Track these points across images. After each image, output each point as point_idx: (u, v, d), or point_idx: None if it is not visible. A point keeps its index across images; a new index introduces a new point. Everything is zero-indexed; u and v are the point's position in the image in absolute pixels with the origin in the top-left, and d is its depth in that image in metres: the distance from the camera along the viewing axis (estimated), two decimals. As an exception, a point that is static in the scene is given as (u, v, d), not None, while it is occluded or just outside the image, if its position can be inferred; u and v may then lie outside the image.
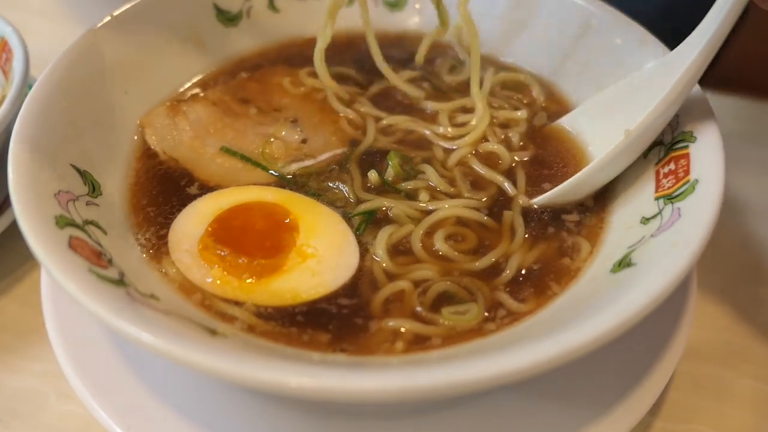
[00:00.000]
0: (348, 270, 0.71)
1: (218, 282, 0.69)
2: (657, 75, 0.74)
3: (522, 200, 0.78)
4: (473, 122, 0.87)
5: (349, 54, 1.00)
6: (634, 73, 0.79)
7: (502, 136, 0.86)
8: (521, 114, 0.88)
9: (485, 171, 0.82)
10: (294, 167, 0.83)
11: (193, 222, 0.75)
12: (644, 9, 0.90)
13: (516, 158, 0.84)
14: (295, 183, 0.81)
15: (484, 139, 0.85)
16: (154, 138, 0.84)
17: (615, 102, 0.79)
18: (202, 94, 0.91)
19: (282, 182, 0.81)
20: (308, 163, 0.84)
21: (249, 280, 0.69)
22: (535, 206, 0.78)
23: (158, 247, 0.73)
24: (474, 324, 0.67)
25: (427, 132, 0.87)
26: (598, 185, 0.77)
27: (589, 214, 0.77)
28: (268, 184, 0.81)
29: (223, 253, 0.71)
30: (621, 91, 0.79)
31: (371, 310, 0.68)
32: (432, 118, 0.89)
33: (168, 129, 0.85)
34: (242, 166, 0.83)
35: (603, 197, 0.78)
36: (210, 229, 0.73)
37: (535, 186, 0.80)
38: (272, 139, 0.86)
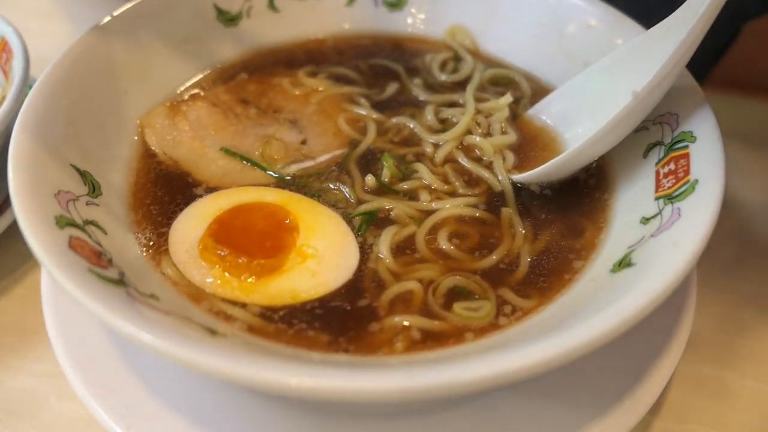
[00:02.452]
0: (348, 270, 0.71)
1: (218, 282, 0.69)
2: (652, 42, 0.75)
3: (514, 177, 0.80)
4: (460, 117, 0.87)
5: (348, 54, 1.00)
6: (605, 57, 0.81)
7: (483, 131, 0.86)
8: (505, 99, 0.88)
9: (471, 166, 0.82)
10: (293, 168, 0.83)
11: (193, 222, 0.75)
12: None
13: (501, 145, 0.84)
14: (295, 184, 0.81)
15: (469, 132, 0.86)
16: (153, 138, 0.84)
17: (593, 83, 0.82)
18: (202, 95, 0.92)
19: (282, 183, 0.81)
20: (308, 164, 0.83)
21: (249, 280, 0.69)
22: (529, 186, 0.79)
23: (158, 246, 0.73)
24: (486, 321, 0.67)
25: (411, 125, 0.87)
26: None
27: (589, 213, 0.77)
28: (268, 185, 0.81)
29: (223, 253, 0.71)
30: (598, 72, 0.82)
31: (377, 309, 0.68)
32: (420, 114, 0.90)
33: (168, 129, 0.85)
34: (242, 167, 0.83)
35: (603, 197, 0.78)
36: (210, 229, 0.73)
37: (523, 172, 0.80)
38: (272, 140, 0.85)
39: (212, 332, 0.61)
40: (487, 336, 0.65)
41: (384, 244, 0.73)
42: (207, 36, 0.96)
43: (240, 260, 0.70)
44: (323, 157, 0.84)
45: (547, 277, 0.71)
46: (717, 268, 0.92)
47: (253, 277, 0.70)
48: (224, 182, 0.81)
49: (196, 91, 0.93)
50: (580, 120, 0.82)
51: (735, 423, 0.77)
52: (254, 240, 0.73)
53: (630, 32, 0.86)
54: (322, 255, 0.72)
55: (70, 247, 0.61)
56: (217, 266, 0.70)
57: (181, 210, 0.77)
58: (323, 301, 0.69)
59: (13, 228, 0.75)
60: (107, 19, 0.85)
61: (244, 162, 0.83)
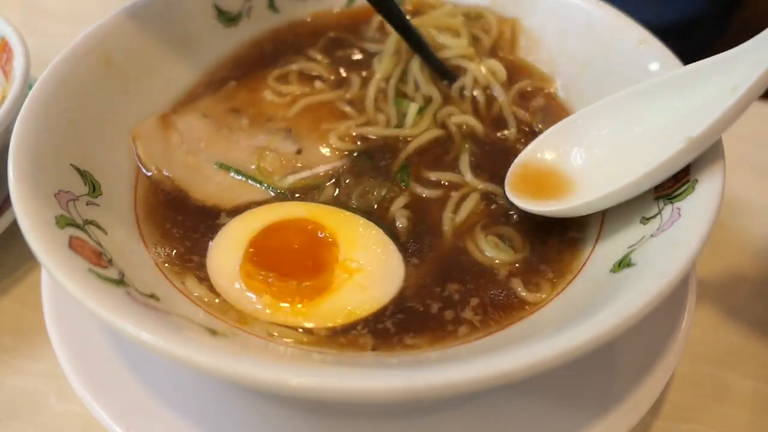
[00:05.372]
0: (396, 280, 0.69)
1: (270, 310, 0.66)
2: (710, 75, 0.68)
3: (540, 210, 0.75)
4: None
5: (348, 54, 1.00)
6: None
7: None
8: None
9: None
10: (291, 180, 0.79)
11: (228, 248, 0.71)
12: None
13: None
14: (293, 197, 0.78)
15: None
16: (145, 154, 0.81)
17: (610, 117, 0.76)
18: (192, 105, 0.88)
19: (281, 197, 0.78)
20: (305, 174, 0.80)
21: (299, 305, 0.66)
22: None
23: (159, 243, 0.72)
24: (512, 259, 0.71)
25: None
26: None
27: (588, 214, 0.77)
28: (270, 200, 0.78)
29: (269, 280, 0.67)
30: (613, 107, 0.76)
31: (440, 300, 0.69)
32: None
33: (160, 143, 0.82)
34: (239, 182, 0.79)
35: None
36: (248, 253, 0.70)
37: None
38: (267, 152, 0.82)
39: (212, 332, 0.61)
40: (486, 335, 0.65)
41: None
42: (207, 36, 0.95)
43: (288, 284, 0.67)
44: (321, 168, 0.81)
45: (545, 278, 0.71)
46: (716, 268, 0.92)
47: (305, 299, 0.66)
48: (223, 201, 0.77)
49: (197, 90, 0.92)
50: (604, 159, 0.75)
51: (735, 423, 0.77)
52: (295, 260, 0.69)
53: (630, 33, 0.85)
54: (368, 268, 0.69)
55: (70, 247, 0.61)
56: (266, 293, 0.67)
57: (181, 209, 0.77)
58: (381, 315, 0.67)
59: (13, 228, 0.75)
60: (107, 19, 0.85)
61: (241, 177, 0.80)
